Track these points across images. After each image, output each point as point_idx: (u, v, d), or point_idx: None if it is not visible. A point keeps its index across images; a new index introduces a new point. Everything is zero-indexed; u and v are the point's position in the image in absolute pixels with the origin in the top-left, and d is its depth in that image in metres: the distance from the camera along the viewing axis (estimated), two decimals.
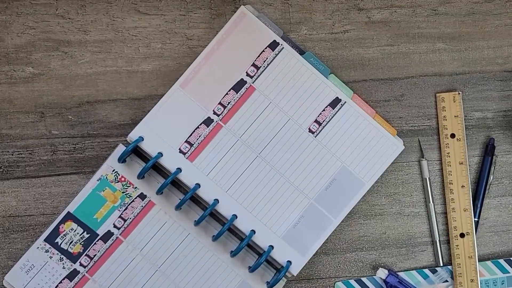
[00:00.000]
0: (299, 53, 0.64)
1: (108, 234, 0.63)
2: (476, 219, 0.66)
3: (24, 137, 0.64)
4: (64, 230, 0.63)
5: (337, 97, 0.64)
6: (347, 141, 0.64)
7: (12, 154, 0.64)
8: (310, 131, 0.64)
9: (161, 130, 0.63)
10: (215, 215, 0.64)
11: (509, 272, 0.66)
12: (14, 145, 0.64)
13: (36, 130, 0.64)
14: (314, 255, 0.65)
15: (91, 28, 0.64)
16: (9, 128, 0.64)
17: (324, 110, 0.64)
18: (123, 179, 0.63)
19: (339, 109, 0.64)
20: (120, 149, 0.63)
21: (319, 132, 0.64)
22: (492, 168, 0.66)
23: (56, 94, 0.64)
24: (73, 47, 0.64)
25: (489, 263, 0.66)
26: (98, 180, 0.63)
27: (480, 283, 0.66)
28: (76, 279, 0.63)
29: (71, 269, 0.63)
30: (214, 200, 0.63)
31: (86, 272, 0.63)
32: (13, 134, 0.64)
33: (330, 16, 0.66)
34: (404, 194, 0.66)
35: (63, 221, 0.63)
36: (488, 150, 0.66)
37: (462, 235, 0.66)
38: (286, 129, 0.64)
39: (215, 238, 0.62)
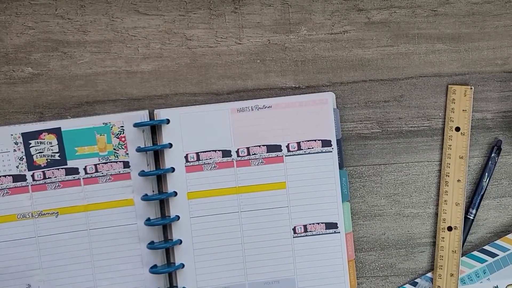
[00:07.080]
0: (338, 164, 0.64)
1: (74, 171, 0.62)
2: (471, 217, 0.66)
3: None
4: (43, 139, 0.62)
5: (336, 223, 0.64)
6: (313, 260, 0.64)
7: None
8: (294, 230, 0.64)
9: (185, 127, 0.63)
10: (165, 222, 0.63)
11: (486, 261, 0.66)
12: None
13: None
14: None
15: (90, 28, 0.64)
16: None
17: (318, 224, 0.64)
18: (123, 139, 0.63)
19: (330, 233, 0.64)
20: (143, 115, 0.63)
21: (299, 236, 0.64)
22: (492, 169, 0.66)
23: (55, 94, 0.64)
24: (73, 47, 0.64)
25: (464, 258, 0.66)
26: (103, 124, 0.63)
27: (463, 279, 0.66)
28: (18, 184, 0.62)
29: (21, 173, 0.62)
30: (175, 215, 0.63)
31: (31, 185, 0.62)
32: None
33: (330, 16, 0.66)
34: (404, 195, 0.66)
35: (49, 131, 0.62)
36: (494, 151, 0.66)
37: (449, 229, 0.65)
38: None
39: (150, 247, 0.62)
